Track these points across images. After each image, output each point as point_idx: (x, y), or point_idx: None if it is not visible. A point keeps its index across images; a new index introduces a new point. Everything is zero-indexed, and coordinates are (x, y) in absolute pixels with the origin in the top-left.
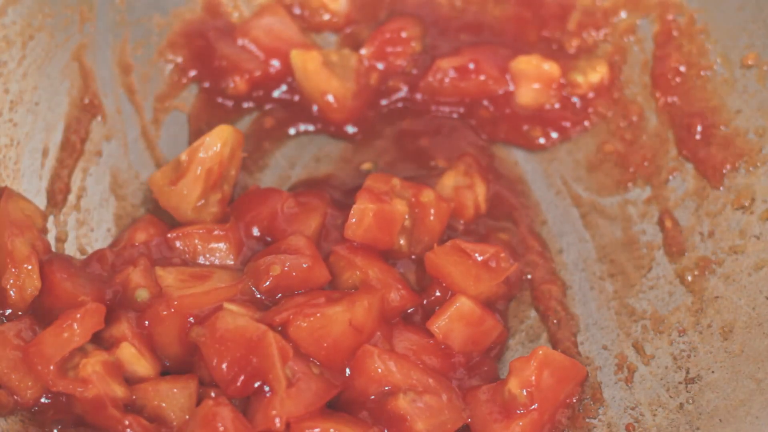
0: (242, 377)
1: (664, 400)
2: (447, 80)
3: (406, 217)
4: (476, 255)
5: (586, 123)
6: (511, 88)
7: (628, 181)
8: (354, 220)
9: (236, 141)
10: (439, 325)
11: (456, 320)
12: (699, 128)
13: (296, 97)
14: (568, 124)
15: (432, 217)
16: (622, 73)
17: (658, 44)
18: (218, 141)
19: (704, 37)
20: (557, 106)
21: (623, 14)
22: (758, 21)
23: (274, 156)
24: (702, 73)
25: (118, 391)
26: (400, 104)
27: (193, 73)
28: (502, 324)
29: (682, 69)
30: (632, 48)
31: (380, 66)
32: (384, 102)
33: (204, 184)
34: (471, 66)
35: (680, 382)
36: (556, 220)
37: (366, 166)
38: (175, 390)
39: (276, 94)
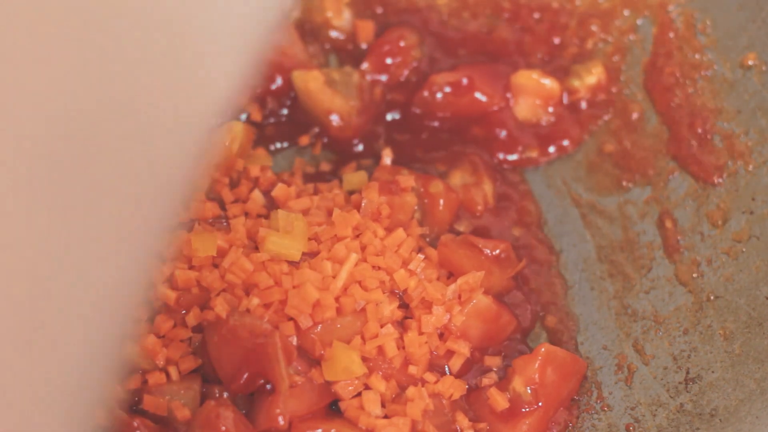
0: (246, 375)
1: (664, 400)
2: (441, 95)
3: (416, 207)
4: (487, 250)
5: (585, 136)
6: (507, 104)
7: (628, 181)
8: None
9: (246, 137)
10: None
11: (473, 316)
12: (699, 128)
13: (298, 115)
14: (565, 142)
15: (441, 208)
16: (621, 74)
17: (658, 44)
18: (227, 137)
19: (704, 37)
20: (553, 120)
21: (623, 14)
22: (758, 21)
23: (275, 157)
24: (702, 73)
25: (123, 392)
26: (398, 116)
27: None
28: (516, 319)
29: (682, 69)
30: (632, 48)
31: (383, 78)
32: (388, 116)
33: (210, 179)
34: (465, 82)
35: (680, 382)
36: (556, 220)
37: (367, 162)
38: (180, 390)
39: (274, 108)
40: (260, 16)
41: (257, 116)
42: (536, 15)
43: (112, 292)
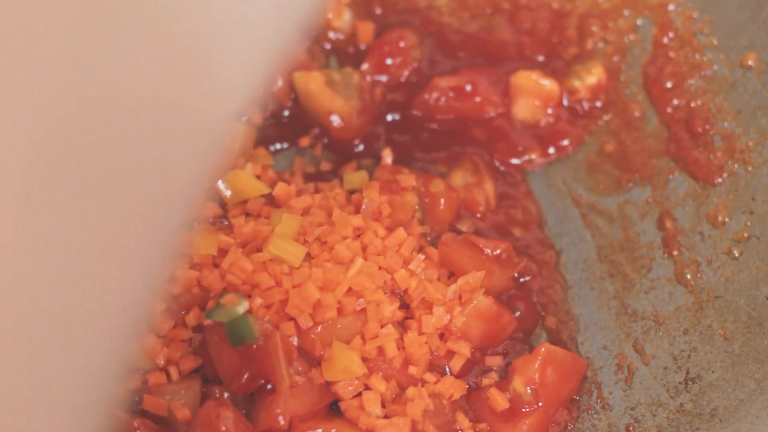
0: (246, 375)
1: (664, 400)
2: (443, 99)
3: (416, 207)
4: (488, 250)
5: (585, 137)
6: (508, 108)
7: (628, 181)
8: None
9: (247, 137)
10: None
11: (474, 317)
12: (699, 128)
13: (299, 116)
14: (565, 142)
15: (442, 207)
16: (622, 74)
17: (658, 44)
18: (228, 137)
19: (704, 37)
20: (552, 121)
21: (623, 15)
22: (758, 21)
23: (275, 157)
24: (702, 73)
25: (123, 392)
26: (398, 117)
27: None
28: (516, 320)
29: (682, 69)
30: (632, 48)
31: (383, 78)
32: (389, 117)
33: (211, 179)
34: (468, 88)
35: (680, 382)
36: (556, 220)
37: (367, 162)
38: (180, 390)
39: (274, 110)
40: (278, 24)
41: (257, 119)
42: (536, 15)
43: (122, 293)
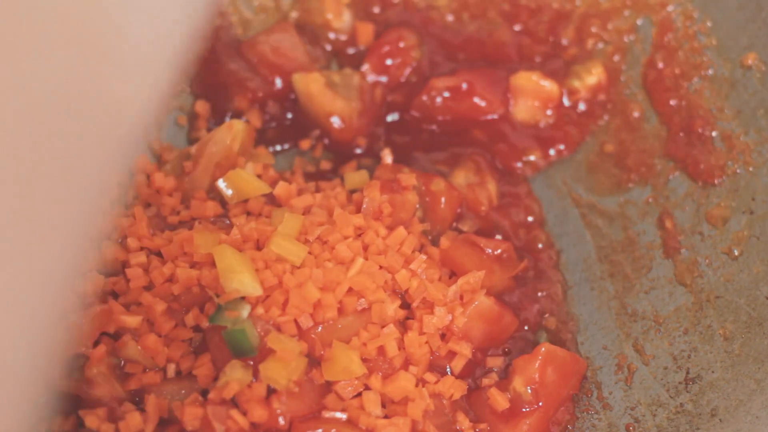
0: None
1: (664, 400)
2: (440, 100)
3: (417, 206)
4: (489, 250)
5: (586, 137)
6: (507, 110)
7: (628, 181)
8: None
9: (247, 136)
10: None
11: (475, 318)
12: (699, 128)
13: (299, 117)
14: (565, 143)
15: (443, 206)
16: (622, 74)
17: (658, 44)
18: (228, 135)
19: (704, 37)
20: (551, 122)
21: (623, 15)
22: (758, 21)
23: (275, 157)
24: (702, 73)
25: (123, 392)
26: (397, 118)
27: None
28: (518, 319)
29: (682, 69)
30: (632, 48)
31: (383, 79)
32: (389, 117)
33: (212, 178)
34: (464, 87)
35: (680, 382)
36: (556, 220)
37: (368, 161)
38: (180, 390)
39: (275, 112)
40: (179, 27)
41: (257, 122)
42: (536, 15)
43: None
